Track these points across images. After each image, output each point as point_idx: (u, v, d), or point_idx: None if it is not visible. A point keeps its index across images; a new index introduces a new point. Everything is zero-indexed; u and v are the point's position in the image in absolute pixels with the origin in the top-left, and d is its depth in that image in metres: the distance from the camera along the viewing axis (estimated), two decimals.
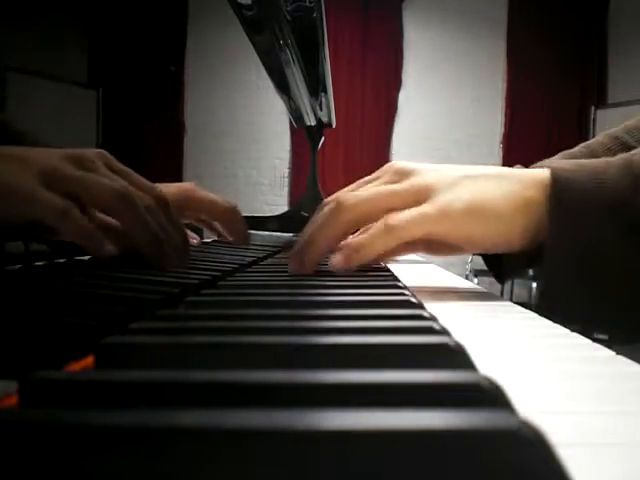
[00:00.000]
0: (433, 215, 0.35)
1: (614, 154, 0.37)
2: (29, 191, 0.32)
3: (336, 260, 0.37)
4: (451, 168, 0.39)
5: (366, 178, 0.42)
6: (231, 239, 0.60)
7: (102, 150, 0.40)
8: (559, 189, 0.34)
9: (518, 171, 0.38)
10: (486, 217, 0.35)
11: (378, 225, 0.36)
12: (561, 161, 0.38)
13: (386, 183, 0.39)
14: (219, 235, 0.65)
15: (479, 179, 0.37)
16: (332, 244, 0.39)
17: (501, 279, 0.44)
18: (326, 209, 0.39)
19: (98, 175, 0.36)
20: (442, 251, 0.41)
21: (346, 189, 0.42)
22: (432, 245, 0.41)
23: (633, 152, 0.35)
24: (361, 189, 0.40)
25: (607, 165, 0.35)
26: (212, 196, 0.58)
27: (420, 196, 0.36)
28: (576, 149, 0.52)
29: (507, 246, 0.37)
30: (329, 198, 0.41)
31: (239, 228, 0.58)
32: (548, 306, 0.34)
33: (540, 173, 0.36)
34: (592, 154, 0.52)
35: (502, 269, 0.43)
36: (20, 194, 0.32)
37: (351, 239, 0.38)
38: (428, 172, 0.38)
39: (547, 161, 0.42)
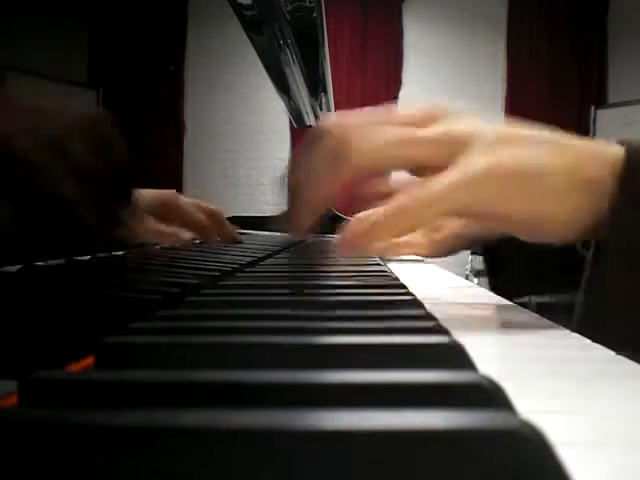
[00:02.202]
0: (482, 175, 0.26)
1: None
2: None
3: (345, 242, 0.28)
4: (494, 123, 0.30)
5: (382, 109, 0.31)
6: (220, 240, 0.62)
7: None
8: (634, 169, 0.27)
9: (580, 143, 0.29)
10: (542, 188, 0.27)
11: (404, 200, 0.26)
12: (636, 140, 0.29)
13: (410, 124, 0.29)
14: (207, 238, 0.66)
15: (539, 142, 0.29)
16: (331, 200, 0.30)
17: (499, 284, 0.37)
18: (329, 152, 0.28)
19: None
20: (484, 222, 0.33)
21: (357, 118, 0.30)
22: (468, 226, 0.33)
23: None
24: (377, 127, 0.29)
25: None
26: (192, 204, 0.61)
27: (456, 148, 0.27)
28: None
29: (561, 232, 0.29)
30: (331, 125, 0.29)
31: (226, 230, 0.61)
32: (593, 324, 0.27)
33: (606, 147, 0.29)
34: None
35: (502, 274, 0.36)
36: None
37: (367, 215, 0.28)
38: (468, 118, 0.30)
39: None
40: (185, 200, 0.62)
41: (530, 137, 0.29)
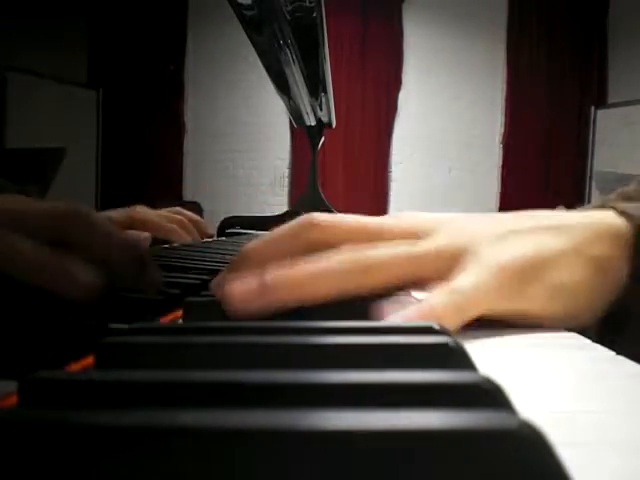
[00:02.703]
0: (491, 282, 0.25)
1: None
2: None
3: None
4: (488, 218, 0.30)
5: (372, 221, 0.29)
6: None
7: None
8: None
9: (582, 221, 0.28)
10: (550, 283, 0.26)
11: (440, 299, 0.24)
12: (629, 205, 0.29)
13: (402, 236, 0.28)
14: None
15: (531, 232, 0.27)
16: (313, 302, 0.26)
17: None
18: (330, 262, 0.25)
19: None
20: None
21: (344, 224, 0.29)
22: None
23: None
24: (369, 247, 0.27)
25: None
26: (160, 215, 0.65)
27: (457, 258, 0.26)
28: (631, 188, 0.35)
29: (579, 320, 0.27)
30: (314, 222, 0.28)
31: (199, 231, 0.65)
32: None
33: (611, 221, 0.28)
34: None
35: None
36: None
37: None
38: (460, 225, 0.29)
39: (604, 200, 0.32)
40: (150, 212, 0.66)
41: (532, 227, 0.28)
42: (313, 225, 0.27)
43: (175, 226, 0.66)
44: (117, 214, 0.63)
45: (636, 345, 0.26)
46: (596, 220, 0.28)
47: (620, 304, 0.27)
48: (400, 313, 0.23)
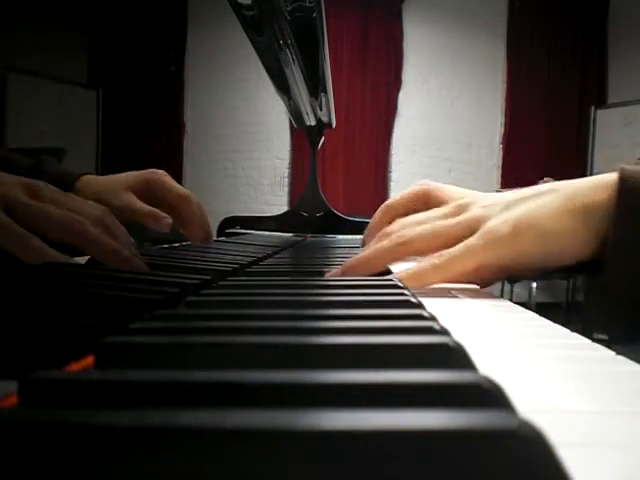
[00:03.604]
0: (479, 245, 0.35)
1: None
2: None
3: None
4: (508, 194, 0.39)
5: (429, 212, 0.42)
6: (190, 233, 0.62)
7: (45, 183, 0.43)
8: (628, 188, 0.31)
9: (579, 180, 0.36)
10: (535, 235, 0.34)
11: (429, 262, 0.36)
12: (634, 167, 0.34)
13: (444, 216, 0.40)
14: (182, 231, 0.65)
15: (531, 198, 0.36)
16: (382, 268, 0.41)
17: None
18: (383, 242, 0.40)
19: (48, 205, 0.39)
20: (497, 276, 0.39)
21: (408, 220, 0.42)
22: (485, 273, 0.39)
23: None
24: (418, 222, 0.41)
25: None
26: (174, 184, 0.62)
27: (472, 229, 0.37)
28: None
29: (559, 261, 0.35)
30: (390, 228, 0.42)
31: (197, 221, 0.62)
32: (605, 322, 0.33)
33: (605, 176, 0.34)
34: None
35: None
36: None
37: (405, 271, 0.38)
38: (482, 203, 0.39)
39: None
40: (168, 178, 0.63)
41: (534, 194, 0.36)
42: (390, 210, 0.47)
43: (191, 197, 0.63)
44: (132, 176, 0.61)
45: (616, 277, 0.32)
46: (592, 177, 0.35)
47: (603, 248, 0.33)
48: (395, 273, 0.36)
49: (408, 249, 0.39)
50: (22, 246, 0.35)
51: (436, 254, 0.37)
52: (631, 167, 0.33)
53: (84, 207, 0.41)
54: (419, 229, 0.39)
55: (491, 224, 0.36)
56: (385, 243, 0.39)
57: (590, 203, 0.33)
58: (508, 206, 0.36)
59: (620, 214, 0.31)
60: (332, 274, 0.39)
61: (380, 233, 0.41)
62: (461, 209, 0.40)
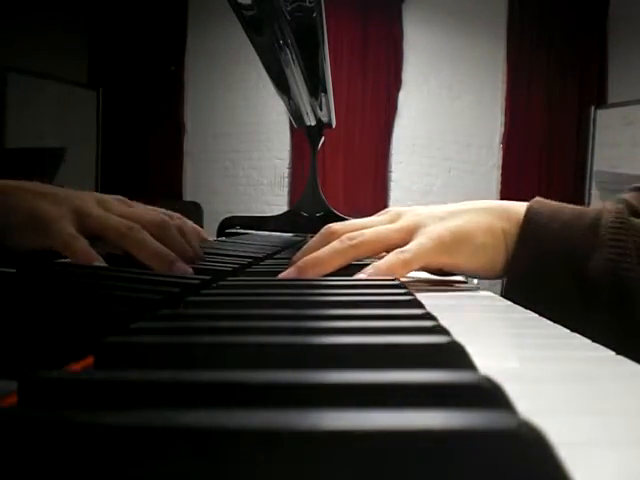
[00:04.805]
0: (430, 245, 0.40)
1: None
2: (46, 222, 0.39)
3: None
4: (438, 207, 0.44)
5: (364, 219, 0.47)
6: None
7: (119, 196, 0.48)
8: (528, 229, 0.40)
9: (500, 204, 0.44)
10: (473, 245, 0.40)
11: (390, 258, 0.40)
12: (545, 203, 0.43)
13: (383, 222, 0.45)
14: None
15: (463, 213, 0.42)
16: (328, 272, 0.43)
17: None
18: (333, 243, 0.42)
19: (111, 214, 0.43)
20: (434, 273, 0.46)
21: (345, 224, 0.46)
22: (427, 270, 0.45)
23: (607, 209, 0.40)
24: (360, 227, 0.44)
25: (579, 220, 0.40)
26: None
27: (412, 232, 0.42)
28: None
29: (492, 272, 0.42)
30: (331, 228, 0.45)
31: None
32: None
33: (518, 208, 0.42)
34: None
35: None
36: (38, 223, 0.39)
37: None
38: (413, 212, 0.44)
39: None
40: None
41: (466, 209, 0.43)
42: (331, 232, 0.44)
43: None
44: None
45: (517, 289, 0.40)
46: (509, 206, 0.43)
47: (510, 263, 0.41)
48: (364, 270, 0.39)
49: (357, 251, 0.41)
50: (66, 246, 0.38)
51: (398, 250, 0.40)
52: (539, 206, 0.42)
53: (143, 214, 0.45)
54: (367, 232, 0.42)
55: (434, 229, 0.41)
56: (336, 244, 0.41)
57: (504, 229, 0.41)
58: (442, 218, 0.42)
59: (518, 244, 0.40)
60: (286, 274, 0.39)
61: (327, 231, 0.44)
62: (396, 217, 0.45)
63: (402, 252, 0.40)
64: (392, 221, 0.44)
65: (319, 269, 0.40)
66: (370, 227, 0.44)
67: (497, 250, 0.41)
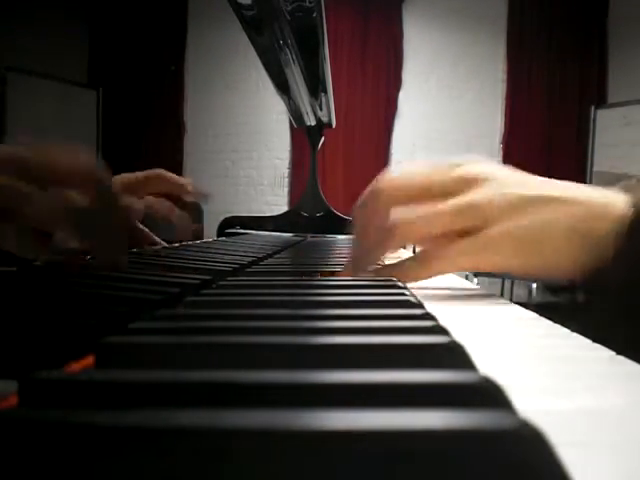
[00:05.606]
0: (482, 251, 0.35)
1: None
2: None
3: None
4: (515, 185, 0.36)
5: (421, 176, 0.38)
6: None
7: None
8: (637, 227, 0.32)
9: (601, 195, 0.35)
10: (539, 250, 0.34)
11: (422, 257, 0.37)
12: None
13: (444, 189, 0.37)
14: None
15: (546, 205, 0.34)
16: (379, 259, 0.41)
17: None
18: (380, 230, 0.38)
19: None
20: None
21: (397, 185, 0.38)
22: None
23: None
24: (414, 190, 0.38)
25: None
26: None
27: (476, 220, 0.35)
28: None
29: (556, 275, 0.35)
30: (378, 191, 0.38)
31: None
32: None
33: (619, 203, 0.33)
34: None
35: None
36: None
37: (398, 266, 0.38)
38: (491, 186, 0.36)
39: (633, 183, 0.37)
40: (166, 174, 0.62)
41: (550, 198, 0.35)
42: (377, 197, 0.38)
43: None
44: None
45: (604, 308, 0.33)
46: (601, 198, 0.34)
47: (598, 272, 0.33)
48: (382, 267, 0.38)
49: (403, 242, 0.38)
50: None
51: (427, 251, 0.37)
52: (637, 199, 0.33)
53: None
54: (418, 222, 0.37)
55: (499, 229, 0.34)
56: (382, 236, 0.37)
57: (593, 230, 0.33)
58: (519, 207, 0.34)
59: (628, 253, 0.31)
60: (343, 274, 0.39)
61: (373, 195, 0.38)
62: (462, 183, 0.37)
63: (424, 258, 0.37)
64: (455, 191, 0.36)
65: (368, 261, 0.39)
66: (425, 192, 0.37)
67: (570, 254, 0.34)
